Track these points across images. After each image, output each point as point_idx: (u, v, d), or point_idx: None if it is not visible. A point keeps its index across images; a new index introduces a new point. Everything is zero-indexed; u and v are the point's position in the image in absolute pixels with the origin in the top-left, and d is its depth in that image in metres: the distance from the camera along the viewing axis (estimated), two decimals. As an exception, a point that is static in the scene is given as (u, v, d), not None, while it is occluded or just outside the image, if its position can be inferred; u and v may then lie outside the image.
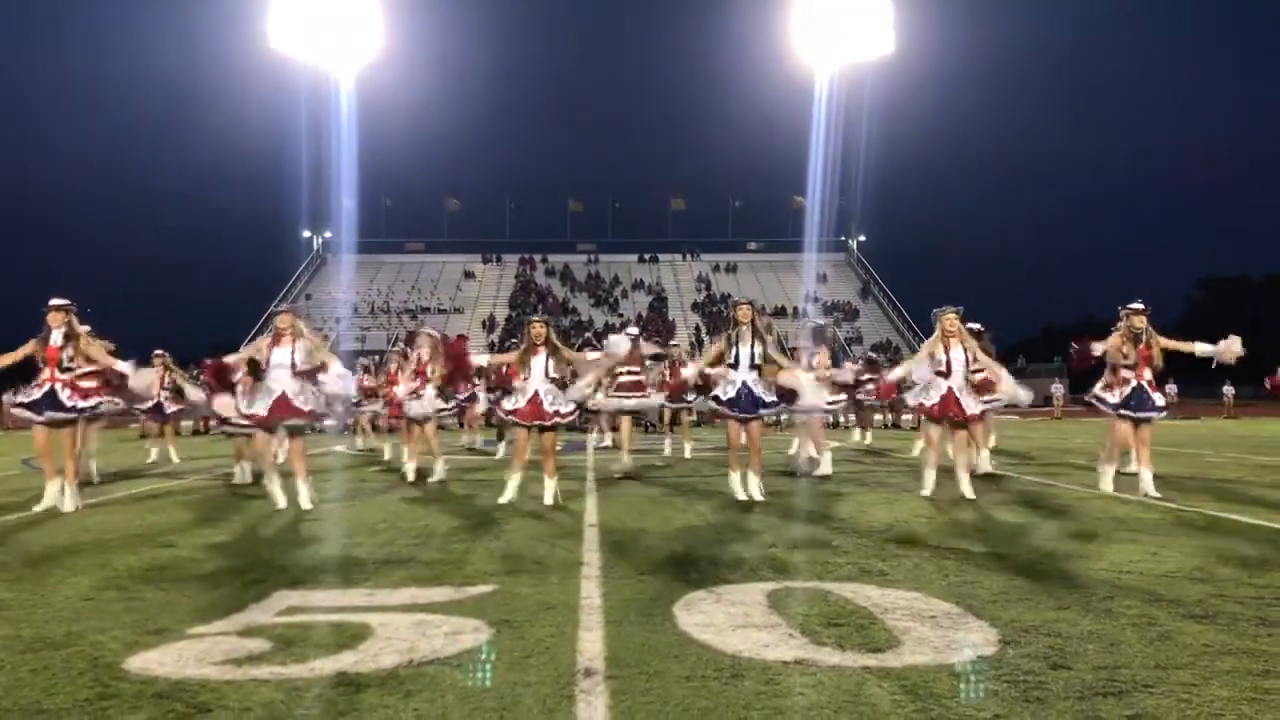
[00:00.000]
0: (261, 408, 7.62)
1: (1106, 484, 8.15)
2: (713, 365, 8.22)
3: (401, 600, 4.21)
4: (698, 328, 50.16)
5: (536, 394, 7.80)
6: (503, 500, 7.72)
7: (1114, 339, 8.14)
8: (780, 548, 5.58)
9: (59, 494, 7.65)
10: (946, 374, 8.04)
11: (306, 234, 60.84)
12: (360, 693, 2.90)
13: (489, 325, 50.03)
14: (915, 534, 6.07)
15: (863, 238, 61.97)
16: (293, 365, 7.68)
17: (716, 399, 8.05)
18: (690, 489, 9.06)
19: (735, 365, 7.99)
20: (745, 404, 7.87)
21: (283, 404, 7.58)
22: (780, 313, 52.04)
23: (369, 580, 4.69)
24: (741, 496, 7.86)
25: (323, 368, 7.79)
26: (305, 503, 7.63)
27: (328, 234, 61.06)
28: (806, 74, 50.77)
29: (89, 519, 7.19)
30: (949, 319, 8.10)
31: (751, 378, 7.93)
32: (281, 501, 7.64)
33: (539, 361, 7.87)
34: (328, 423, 10.50)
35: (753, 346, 7.98)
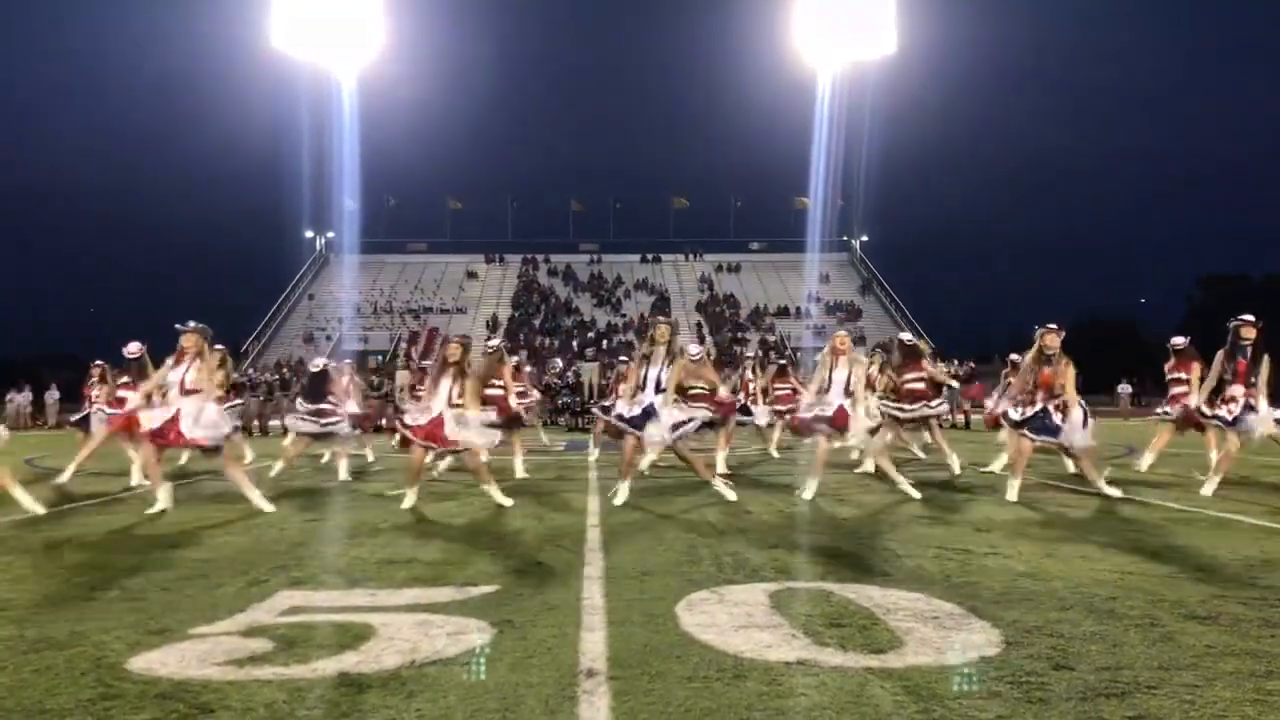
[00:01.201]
0: (155, 420, 7.46)
1: (1011, 494, 7.98)
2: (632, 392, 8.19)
3: (404, 600, 4.22)
4: (699, 325, 50.20)
5: (440, 416, 7.71)
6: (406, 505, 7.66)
7: (1028, 357, 8.24)
8: (783, 548, 5.58)
9: None
10: (826, 390, 8.22)
11: (309, 234, 60.91)
12: (363, 693, 2.90)
13: (492, 325, 50.08)
14: (917, 534, 6.07)
15: (865, 238, 61.99)
16: (181, 384, 7.50)
17: (620, 416, 8.06)
18: (692, 490, 9.05)
19: (643, 388, 8.05)
20: (643, 422, 7.91)
21: (174, 427, 7.39)
22: (783, 313, 52.06)
23: (371, 580, 4.70)
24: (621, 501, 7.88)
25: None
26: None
27: (330, 234, 61.11)
28: (809, 73, 50.80)
29: (92, 519, 7.20)
30: (839, 338, 8.42)
31: (658, 401, 7.96)
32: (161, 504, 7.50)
33: (446, 384, 7.82)
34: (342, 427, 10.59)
35: (661, 370, 8.02)
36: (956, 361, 26.06)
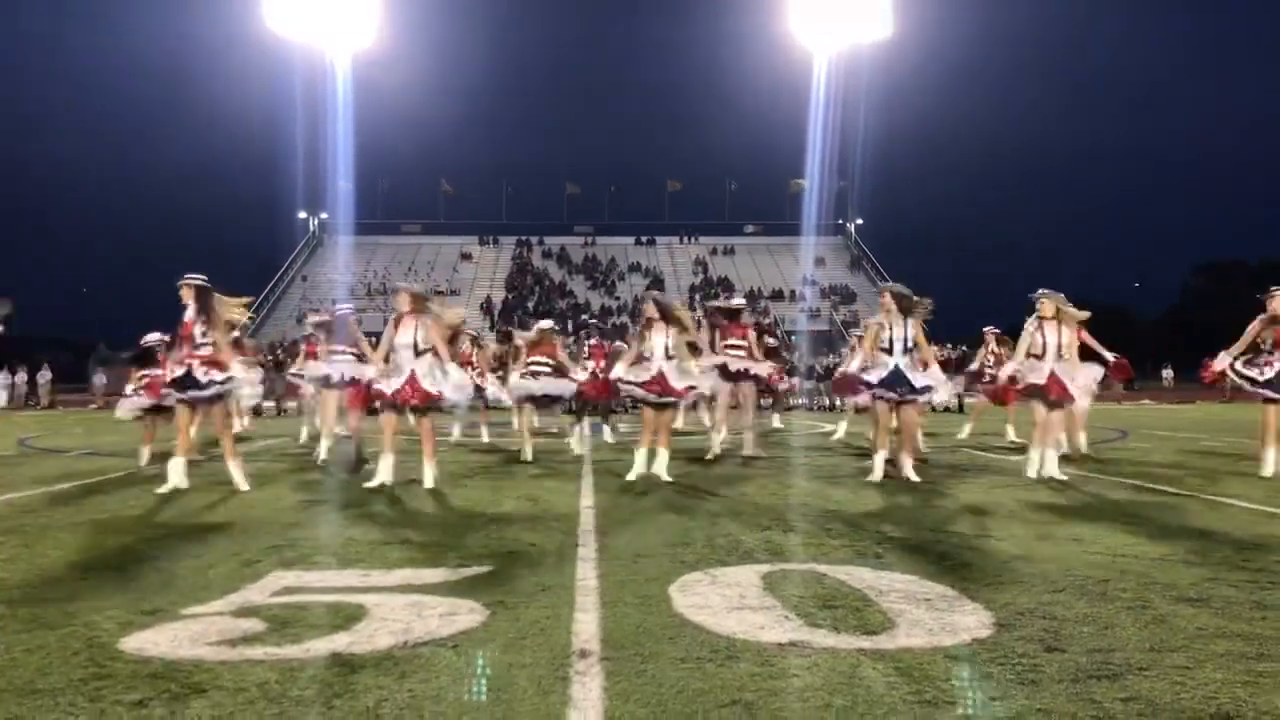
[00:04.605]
0: (391, 385, 7.68)
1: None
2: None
3: (397, 581, 4.21)
4: (691, 299, 50.25)
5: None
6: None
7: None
8: (775, 530, 5.59)
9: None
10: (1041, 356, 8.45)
11: (303, 215, 60.68)
12: (355, 673, 2.89)
13: (486, 307, 49.97)
14: (910, 517, 6.08)
15: (860, 221, 61.91)
16: (415, 346, 7.74)
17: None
18: (688, 473, 9.05)
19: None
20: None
21: (413, 384, 7.64)
22: (778, 296, 52.03)
23: (364, 561, 4.69)
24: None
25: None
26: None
27: (324, 215, 60.88)
28: (805, 57, 50.66)
29: (85, 499, 7.18)
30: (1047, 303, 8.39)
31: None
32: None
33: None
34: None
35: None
36: (950, 345, 26.06)
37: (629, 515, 6.24)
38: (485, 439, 13.13)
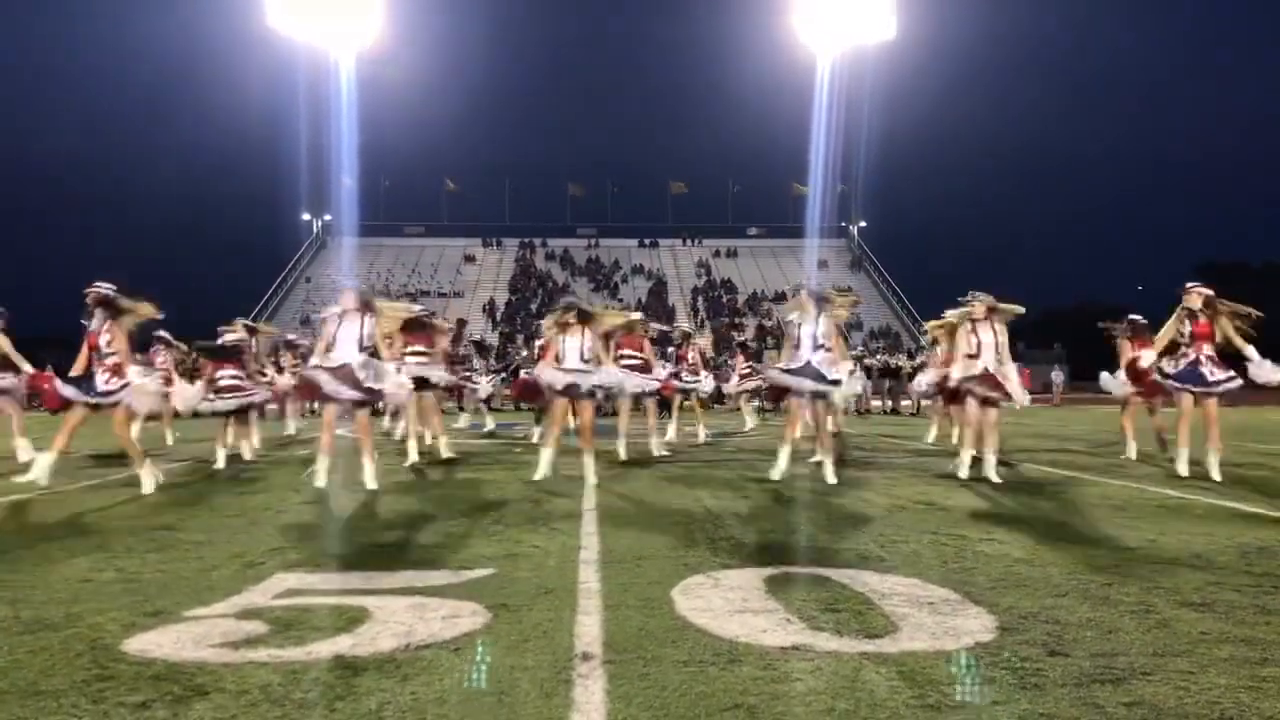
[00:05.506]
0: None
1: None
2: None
3: (399, 583, 4.21)
4: (695, 308, 50.24)
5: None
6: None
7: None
8: (778, 533, 5.58)
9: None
10: (976, 355, 8.55)
11: (306, 216, 60.81)
12: (358, 676, 2.89)
13: (489, 309, 49.99)
14: (914, 520, 6.07)
15: (863, 223, 61.96)
16: (359, 341, 7.85)
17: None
18: (689, 474, 9.06)
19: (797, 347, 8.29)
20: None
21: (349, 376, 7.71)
22: (781, 299, 52.05)
23: (367, 563, 4.69)
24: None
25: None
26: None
27: (327, 216, 61.03)
28: (808, 58, 50.65)
29: (88, 501, 7.19)
30: (979, 304, 8.49)
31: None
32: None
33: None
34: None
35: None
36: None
37: (631, 518, 6.23)
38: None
